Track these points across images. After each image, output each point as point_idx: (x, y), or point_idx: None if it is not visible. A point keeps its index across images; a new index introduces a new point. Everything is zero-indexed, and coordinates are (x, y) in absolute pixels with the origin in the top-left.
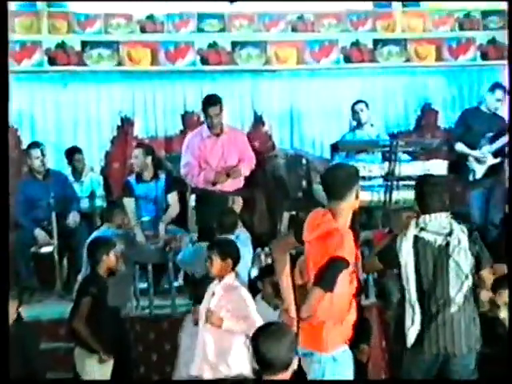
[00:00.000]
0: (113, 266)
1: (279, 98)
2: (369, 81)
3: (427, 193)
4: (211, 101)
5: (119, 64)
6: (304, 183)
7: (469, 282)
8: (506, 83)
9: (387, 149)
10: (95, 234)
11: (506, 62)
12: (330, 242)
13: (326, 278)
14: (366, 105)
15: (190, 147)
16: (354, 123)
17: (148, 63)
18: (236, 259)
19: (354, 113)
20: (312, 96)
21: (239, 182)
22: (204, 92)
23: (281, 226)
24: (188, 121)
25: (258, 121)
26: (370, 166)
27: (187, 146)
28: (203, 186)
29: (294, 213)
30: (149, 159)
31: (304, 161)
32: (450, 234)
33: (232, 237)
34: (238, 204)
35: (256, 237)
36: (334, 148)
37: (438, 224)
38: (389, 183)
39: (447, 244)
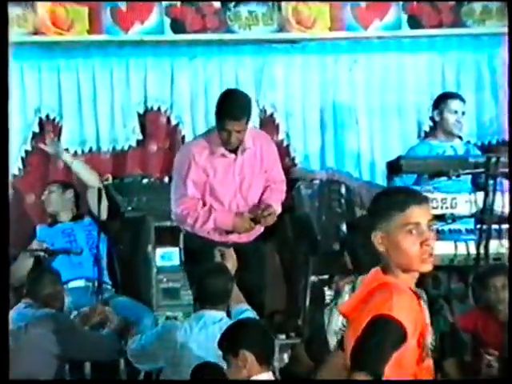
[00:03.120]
0: None
1: (301, 86)
2: (449, 58)
3: None
4: (235, 110)
5: (35, 31)
6: (343, 227)
7: None
8: None
9: (481, 170)
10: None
11: None
12: (375, 300)
13: (370, 352)
14: (463, 101)
15: (188, 170)
16: (426, 128)
17: (83, 30)
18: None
19: (440, 114)
20: (355, 84)
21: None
22: (178, 78)
23: (305, 301)
24: (150, 125)
25: (268, 124)
26: (455, 198)
27: (183, 168)
28: (205, 235)
29: (326, 277)
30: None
31: (343, 189)
32: None
33: (222, 314)
34: (230, 259)
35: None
36: (394, 168)
37: None
38: (484, 227)
39: None
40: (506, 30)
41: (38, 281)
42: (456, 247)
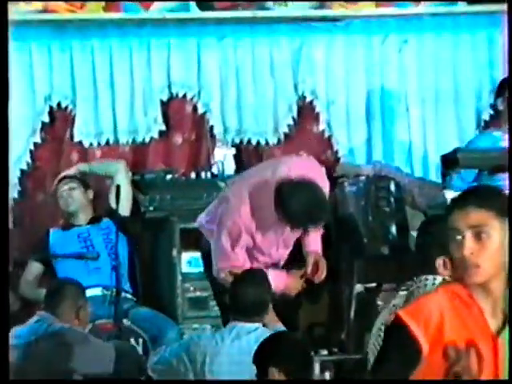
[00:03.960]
0: None
1: (344, 70)
2: None
3: None
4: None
5: (44, 9)
6: (393, 228)
7: None
8: None
9: None
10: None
11: None
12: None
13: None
14: None
15: (239, 239)
16: (486, 117)
17: (99, 7)
18: None
19: (504, 102)
20: (406, 67)
21: None
22: (205, 61)
23: (350, 313)
24: (174, 114)
25: (307, 112)
26: None
27: (232, 233)
28: None
29: (373, 285)
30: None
31: (392, 186)
32: None
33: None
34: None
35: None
36: (449, 162)
37: None
38: None
39: None
40: None
41: (57, 293)
42: None
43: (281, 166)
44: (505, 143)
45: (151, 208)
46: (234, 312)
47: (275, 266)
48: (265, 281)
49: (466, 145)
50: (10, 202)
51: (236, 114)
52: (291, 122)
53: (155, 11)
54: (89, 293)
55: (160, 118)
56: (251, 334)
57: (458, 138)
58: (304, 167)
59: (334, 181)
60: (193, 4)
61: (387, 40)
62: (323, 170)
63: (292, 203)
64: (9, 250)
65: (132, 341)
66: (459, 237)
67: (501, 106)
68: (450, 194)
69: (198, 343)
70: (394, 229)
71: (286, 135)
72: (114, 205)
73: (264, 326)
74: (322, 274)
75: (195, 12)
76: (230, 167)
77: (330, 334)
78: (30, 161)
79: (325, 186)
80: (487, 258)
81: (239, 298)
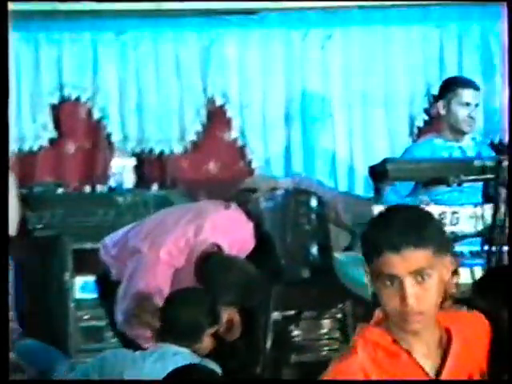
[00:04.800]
0: None
1: (260, 70)
2: (449, 31)
3: None
4: None
5: None
6: (314, 249)
7: None
8: None
9: (489, 176)
10: None
11: None
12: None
13: None
14: (477, 90)
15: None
16: (421, 123)
17: None
18: None
19: (447, 106)
20: (330, 66)
21: None
22: (102, 59)
23: (265, 344)
24: (66, 119)
25: (217, 118)
26: (456, 213)
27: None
28: None
29: (291, 312)
30: None
31: (313, 201)
32: None
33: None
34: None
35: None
36: (378, 174)
37: None
38: (494, 248)
39: None
40: None
41: None
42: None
43: (205, 225)
44: (447, 153)
45: (40, 226)
46: (163, 334)
47: None
48: (202, 302)
49: (402, 154)
50: None
51: (137, 120)
52: (199, 129)
53: (42, 2)
54: None
55: (50, 124)
56: (178, 356)
57: (388, 146)
58: (230, 226)
59: (248, 195)
60: None
61: (309, 35)
62: (251, 226)
63: (217, 282)
64: (8, 250)
65: (16, 377)
66: (395, 283)
67: (442, 111)
68: (379, 209)
69: (114, 362)
70: (315, 249)
71: (193, 144)
72: None
73: (195, 352)
74: (236, 333)
75: (90, 3)
76: (130, 180)
77: (244, 368)
78: None
79: (250, 246)
80: (429, 301)
81: (170, 318)
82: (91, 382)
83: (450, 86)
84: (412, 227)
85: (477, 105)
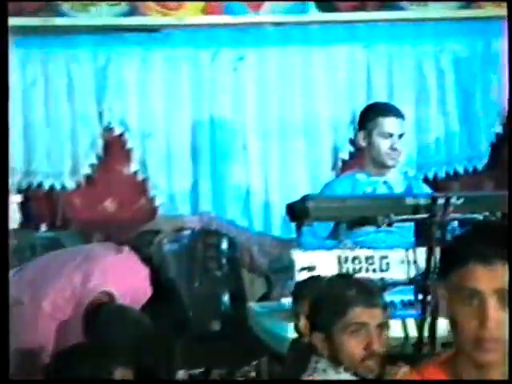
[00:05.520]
0: None
1: (164, 94)
2: (377, 52)
3: None
4: None
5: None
6: (226, 298)
7: None
8: None
9: (423, 216)
10: None
11: None
12: None
13: None
14: (401, 118)
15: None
16: (346, 156)
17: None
18: None
19: (367, 137)
20: (242, 91)
21: None
22: None
23: None
24: None
25: (115, 148)
26: (386, 257)
27: None
28: None
29: (199, 371)
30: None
31: (224, 243)
32: None
33: None
34: None
35: None
36: (297, 212)
37: None
38: (429, 298)
39: None
40: (461, 14)
41: None
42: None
43: (95, 272)
44: (370, 188)
45: None
46: None
47: None
48: (91, 361)
49: (321, 190)
50: None
51: (23, 151)
52: (94, 161)
53: None
54: None
55: None
56: None
57: (309, 181)
58: (122, 272)
59: (148, 237)
60: None
61: (218, 56)
62: (146, 272)
63: (108, 337)
64: (9, 251)
65: None
66: (476, 301)
67: (363, 142)
68: (298, 254)
69: None
70: (226, 298)
71: (87, 177)
72: None
73: None
74: None
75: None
76: (16, 219)
77: None
78: None
79: (146, 295)
80: (505, 328)
81: (56, 378)
82: (91, 382)
83: (370, 115)
84: (503, 241)
85: (401, 135)
